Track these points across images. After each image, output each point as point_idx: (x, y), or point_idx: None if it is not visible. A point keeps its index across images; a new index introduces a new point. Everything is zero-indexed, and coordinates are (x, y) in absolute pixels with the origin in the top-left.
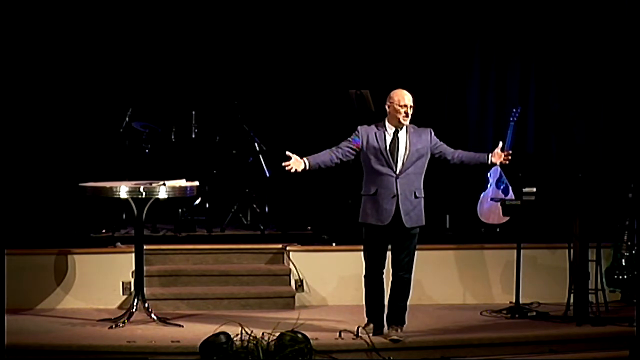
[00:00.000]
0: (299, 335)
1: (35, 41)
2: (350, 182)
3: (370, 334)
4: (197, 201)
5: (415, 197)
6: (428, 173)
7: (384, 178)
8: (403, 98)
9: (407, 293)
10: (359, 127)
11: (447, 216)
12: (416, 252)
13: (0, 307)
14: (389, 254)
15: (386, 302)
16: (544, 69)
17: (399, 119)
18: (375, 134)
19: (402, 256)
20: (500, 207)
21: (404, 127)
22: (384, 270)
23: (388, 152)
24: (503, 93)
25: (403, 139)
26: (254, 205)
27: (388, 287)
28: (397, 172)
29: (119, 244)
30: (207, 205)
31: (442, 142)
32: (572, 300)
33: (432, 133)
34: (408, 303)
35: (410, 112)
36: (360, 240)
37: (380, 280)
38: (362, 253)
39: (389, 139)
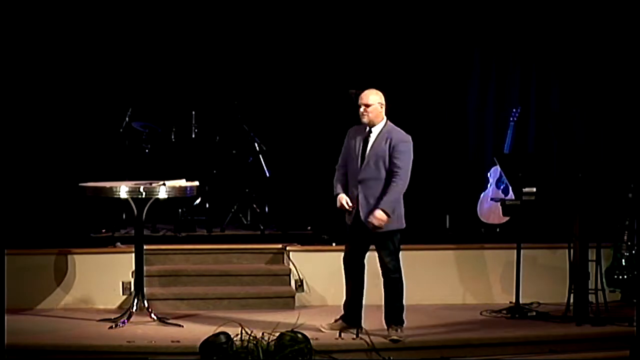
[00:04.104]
0: (299, 335)
1: (35, 41)
2: None
3: (339, 329)
4: (197, 201)
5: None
6: (428, 173)
7: (351, 179)
8: (359, 97)
9: (400, 292)
10: (350, 129)
11: (447, 216)
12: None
13: (0, 307)
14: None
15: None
16: (544, 69)
17: None
18: (358, 134)
19: (383, 256)
20: (500, 207)
21: (379, 129)
22: (363, 268)
23: (358, 153)
24: (503, 93)
25: (371, 141)
26: (254, 205)
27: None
28: (360, 174)
29: (119, 244)
30: (207, 205)
31: (397, 163)
32: (572, 300)
33: (398, 147)
34: (405, 303)
35: (366, 110)
36: None
37: (355, 276)
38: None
39: (363, 139)
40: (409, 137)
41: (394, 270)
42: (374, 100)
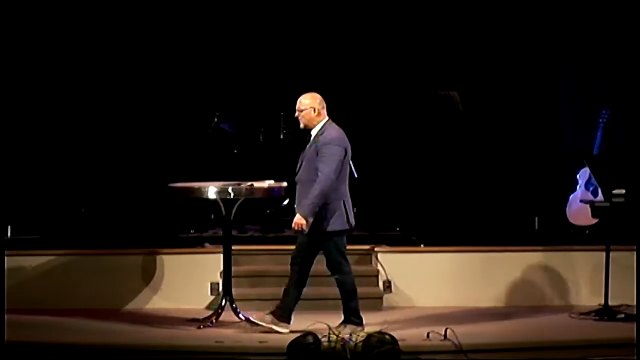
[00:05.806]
0: (387, 337)
1: (129, 44)
2: (438, 184)
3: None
4: (285, 202)
5: None
6: (518, 174)
7: None
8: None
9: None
10: None
11: (536, 218)
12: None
13: (0, 307)
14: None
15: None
16: (634, 69)
17: None
18: None
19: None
20: (589, 209)
21: (315, 132)
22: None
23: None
24: (592, 94)
25: (308, 144)
26: None
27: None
28: (296, 177)
29: (207, 244)
30: (295, 206)
31: (319, 166)
32: None
33: (321, 149)
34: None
35: (299, 115)
36: (448, 242)
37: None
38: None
39: (307, 143)
40: (336, 138)
41: (333, 271)
42: (305, 104)
